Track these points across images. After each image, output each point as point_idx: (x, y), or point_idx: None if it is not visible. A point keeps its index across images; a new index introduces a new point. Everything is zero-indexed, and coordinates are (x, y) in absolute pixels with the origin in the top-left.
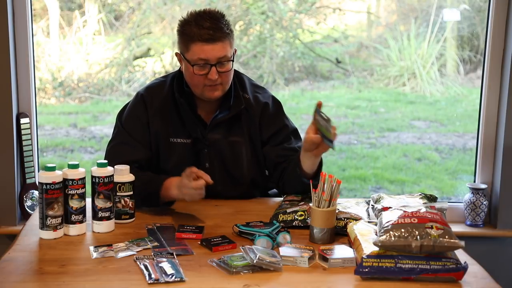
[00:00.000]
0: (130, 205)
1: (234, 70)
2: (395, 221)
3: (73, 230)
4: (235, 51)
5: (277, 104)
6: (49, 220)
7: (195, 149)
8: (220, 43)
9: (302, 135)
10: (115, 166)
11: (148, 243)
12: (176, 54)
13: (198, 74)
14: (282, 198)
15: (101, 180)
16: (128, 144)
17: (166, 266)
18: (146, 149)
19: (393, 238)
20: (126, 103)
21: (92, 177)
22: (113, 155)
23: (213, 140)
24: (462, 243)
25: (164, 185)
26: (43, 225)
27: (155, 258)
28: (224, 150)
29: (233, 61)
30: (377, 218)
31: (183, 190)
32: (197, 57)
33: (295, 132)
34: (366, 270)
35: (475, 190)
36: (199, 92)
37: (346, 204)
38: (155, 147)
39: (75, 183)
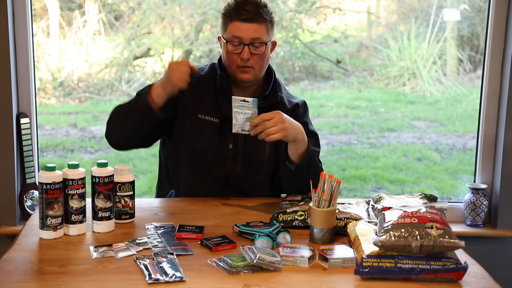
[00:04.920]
0: (130, 205)
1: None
2: (395, 221)
3: (73, 230)
4: (275, 43)
5: (305, 107)
6: (49, 220)
7: (221, 129)
8: (256, 25)
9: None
10: (115, 166)
11: (148, 243)
12: (218, 38)
13: (231, 52)
14: (282, 198)
15: (101, 180)
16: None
17: (166, 266)
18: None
19: (393, 238)
20: None
21: (92, 177)
22: (115, 110)
23: None
24: (462, 243)
25: (153, 86)
26: (43, 225)
27: (155, 258)
28: (249, 135)
29: (266, 45)
30: (377, 218)
31: (168, 72)
32: (232, 35)
33: (314, 135)
34: (366, 270)
35: (475, 190)
36: (231, 73)
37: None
38: (181, 118)
39: (75, 183)
